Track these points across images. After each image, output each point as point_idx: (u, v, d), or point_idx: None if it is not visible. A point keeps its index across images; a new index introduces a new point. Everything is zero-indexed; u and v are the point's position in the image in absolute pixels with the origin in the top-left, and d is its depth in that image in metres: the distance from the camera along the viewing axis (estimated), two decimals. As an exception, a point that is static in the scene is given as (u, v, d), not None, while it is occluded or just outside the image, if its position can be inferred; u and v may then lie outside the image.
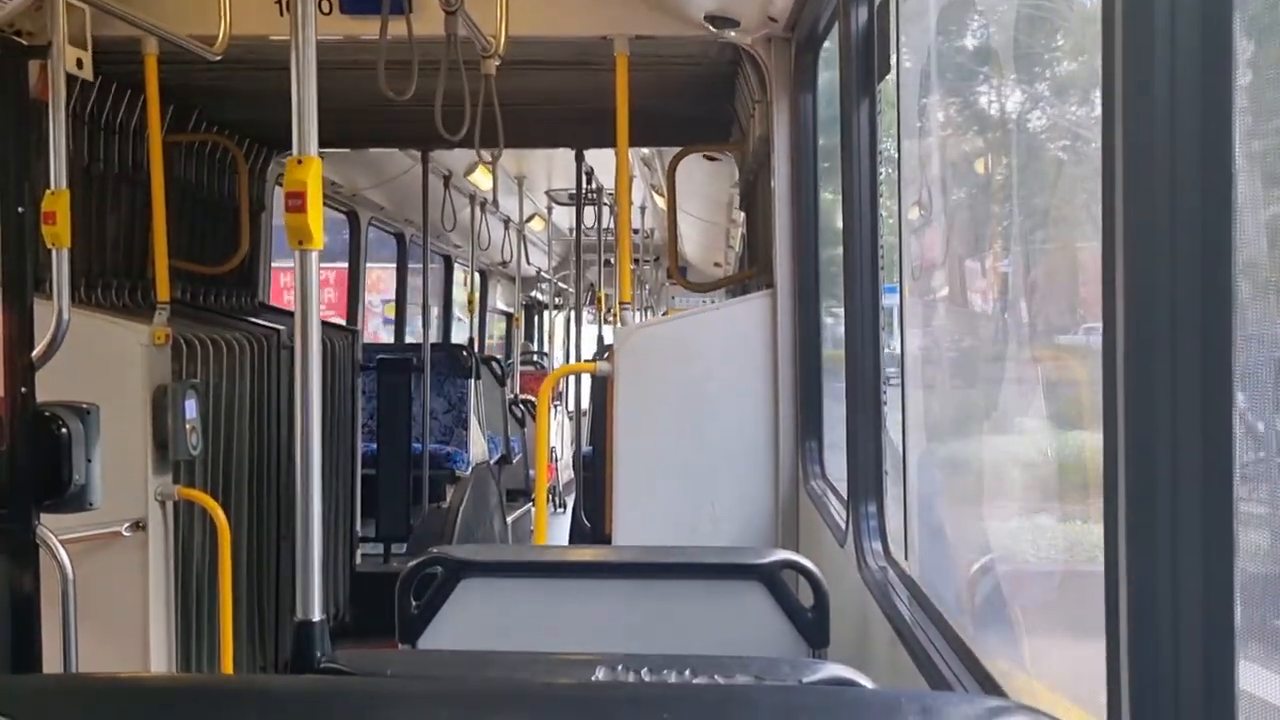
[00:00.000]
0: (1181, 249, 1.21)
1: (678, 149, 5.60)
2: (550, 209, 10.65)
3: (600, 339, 10.32)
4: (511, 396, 10.57)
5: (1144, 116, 1.22)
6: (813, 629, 2.51)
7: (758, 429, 4.29)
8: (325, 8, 4.12)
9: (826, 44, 4.04)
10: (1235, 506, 1.22)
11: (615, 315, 5.01)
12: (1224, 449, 1.21)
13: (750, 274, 5.56)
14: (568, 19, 4.26)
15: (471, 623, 2.56)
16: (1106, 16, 1.29)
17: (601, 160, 7.62)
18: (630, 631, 2.55)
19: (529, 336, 15.43)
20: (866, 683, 1.81)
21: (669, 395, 4.30)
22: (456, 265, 10.69)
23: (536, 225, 11.23)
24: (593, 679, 1.84)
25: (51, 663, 3.50)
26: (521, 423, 10.40)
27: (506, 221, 10.59)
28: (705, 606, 2.57)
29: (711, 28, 4.24)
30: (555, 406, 12.08)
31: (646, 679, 1.85)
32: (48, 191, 3.55)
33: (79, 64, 3.47)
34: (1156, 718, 1.23)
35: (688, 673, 1.87)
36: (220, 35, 3.89)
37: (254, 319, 5.46)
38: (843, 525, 3.30)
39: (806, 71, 4.24)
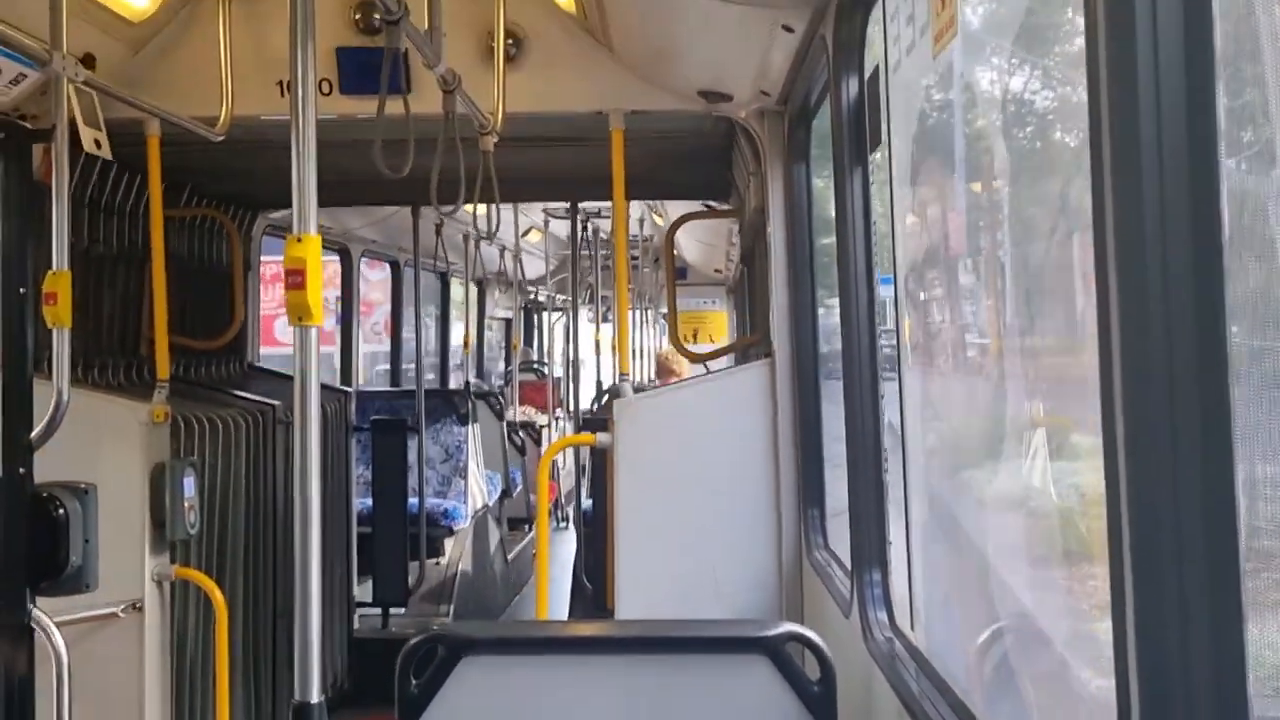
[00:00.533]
0: (1172, 256, 1.22)
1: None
2: (547, 223, 10.53)
3: (599, 384, 10.25)
4: (510, 420, 10.46)
5: (1129, 120, 1.23)
6: (820, 703, 2.47)
7: (759, 498, 4.27)
8: (325, 88, 4.19)
9: (819, 116, 4.10)
10: (1239, 513, 1.21)
11: (614, 316, 4.88)
12: (1223, 448, 1.20)
13: (754, 339, 5.57)
14: (564, 95, 4.33)
15: (473, 701, 2.52)
16: (1089, 20, 1.31)
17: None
18: (634, 707, 2.51)
19: (528, 341, 15.25)
20: (876, 759, 1.78)
21: (669, 465, 4.29)
22: (453, 280, 10.60)
23: (534, 237, 11.15)
24: (597, 759, 1.80)
25: (45, 748, 3.43)
26: (521, 450, 10.28)
27: (502, 250, 10.57)
28: (710, 680, 2.53)
29: (705, 102, 4.31)
30: (556, 418, 11.90)
31: (652, 758, 1.82)
32: (49, 272, 3.58)
33: (97, 144, 3.50)
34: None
35: (694, 751, 1.83)
36: (222, 116, 3.95)
37: (247, 392, 5.45)
38: (847, 595, 3.27)
39: (800, 143, 4.29)
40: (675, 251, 12.05)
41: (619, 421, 4.25)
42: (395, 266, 9.14)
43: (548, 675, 2.58)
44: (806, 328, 4.28)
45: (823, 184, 4.27)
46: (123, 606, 4.00)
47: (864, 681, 2.98)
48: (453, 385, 10.63)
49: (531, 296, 14.75)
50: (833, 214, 3.34)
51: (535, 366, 14.05)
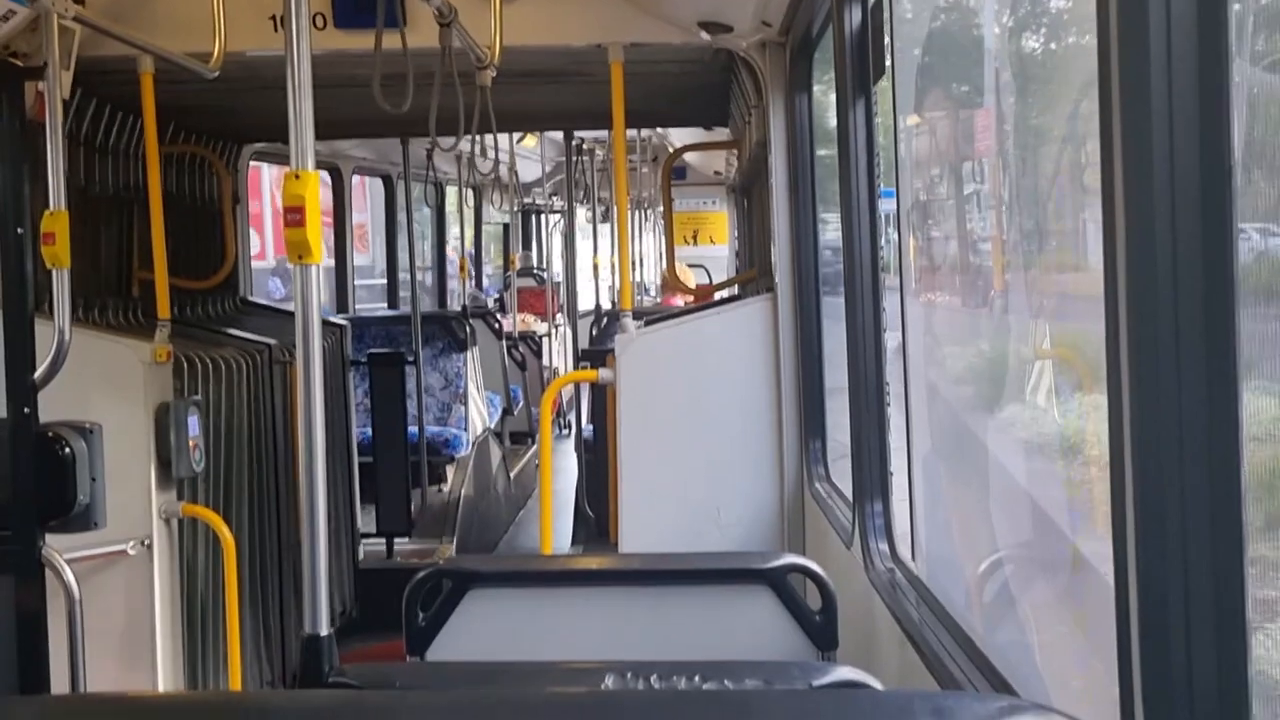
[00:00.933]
0: (1182, 244, 1.21)
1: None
2: (551, 143, 10.25)
3: (598, 308, 10.11)
4: (509, 335, 10.34)
5: (1141, 111, 1.22)
6: (821, 632, 2.50)
7: (761, 432, 4.29)
8: (319, 23, 4.12)
9: (821, 47, 4.04)
10: (1244, 495, 1.22)
11: (615, 245, 4.80)
12: (1231, 436, 1.21)
13: (751, 275, 5.56)
14: (561, 28, 4.26)
15: (479, 633, 2.56)
16: (1101, 14, 1.29)
17: None
18: (638, 638, 2.55)
19: (526, 245, 15.10)
20: (876, 685, 1.81)
21: (671, 401, 4.30)
22: (448, 188, 10.36)
23: (529, 142, 10.98)
24: (602, 687, 1.84)
25: (59, 683, 3.49)
26: (522, 366, 10.22)
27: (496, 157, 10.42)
28: (713, 612, 2.57)
29: (705, 34, 4.25)
30: (557, 326, 11.79)
31: (656, 686, 1.85)
32: (46, 212, 3.55)
33: (74, 84, 3.47)
34: (1170, 709, 1.23)
35: (697, 679, 1.86)
36: (215, 52, 3.90)
37: (243, 329, 5.44)
38: (849, 526, 3.30)
39: (801, 75, 4.24)
40: (671, 149, 11.91)
41: (621, 357, 4.26)
42: (388, 181, 8.95)
43: (553, 607, 2.61)
44: (808, 261, 4.27)
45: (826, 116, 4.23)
46: (132, 543, 4.05)
47: (865, 611, 3.02)
48: (452, 306, 10.46)
49: (529, 200, 14.53)
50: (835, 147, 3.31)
51: (535, 272, 13.88)
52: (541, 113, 6.10)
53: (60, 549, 3.52)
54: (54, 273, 3.57)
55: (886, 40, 3.02)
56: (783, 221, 4.34)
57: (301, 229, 2.43)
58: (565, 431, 10.89)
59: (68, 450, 3.46)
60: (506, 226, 12.93)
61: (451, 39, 3.63)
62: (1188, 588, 1.22)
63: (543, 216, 14.76)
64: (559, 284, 12.28)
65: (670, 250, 6.25)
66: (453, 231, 11.13)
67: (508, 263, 12.30)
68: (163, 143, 5.37)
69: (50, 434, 3.47)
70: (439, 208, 10.57)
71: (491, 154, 8.69)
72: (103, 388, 4.04)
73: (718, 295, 6.19)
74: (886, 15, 3.00)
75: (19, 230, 3.50)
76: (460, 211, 10.43)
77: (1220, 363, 1.21)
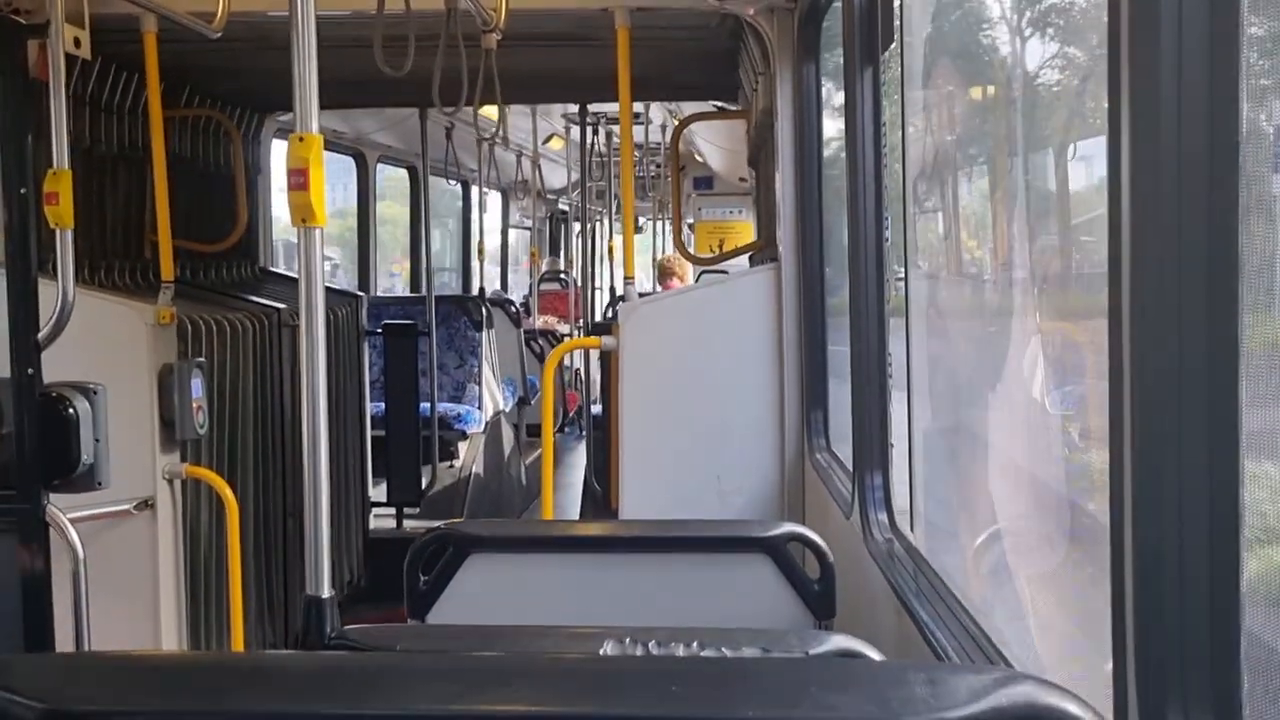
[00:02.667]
0: (1187, 239, 1.21)
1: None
2: (569, 129, 10.21)
3: (612, 291, 10.21)
4: (530, 328, 10.43)
5: (1150, 107, 1.21)
6: (819, 601, 2.52)
7: (763, 402, 4.29)
8: (324, -17, 4.09)
9: (830, 15, 4.00)
10: (1242, 490, 1.22)
11: (621, 218, 4.85)
12: (1230, 433, 1.21)
13: (759, 245, 5.54)
14: None
15: (480, 597, 2.57)
16: (1112, 13, 1.28)
17: None
18: (637, 605, 2.56)
19: (554, 250, 15.17)
20: (873, 654, 1.82)
21: (674, 369, 4.30)
22: (475, 188, 10.46)
23: (556, 145, 10.94)
24: (601, 653, 1.85)
25: (64, 642, 3.52)
26: (541, 358, 10.30)
27: (519, 153, 10.40)
28: (712, 579, 2.58)
29: (713, -1, 4.21)
30: (580, 327, 11.86)
31: (654, 652, 1.86)
32: (49, 172, 3.54)
33: (76, 43, 3.45)
34: (1162, 686, 1.24)
35: (695, 645, 1.87)
36: (219, 12, 3.87)
37: (256, 295, 5.46)
38: (848, 497, 3.31)
39: (809, 42, 4.20)
40: (700, 159, 11.85)
41: (624, 325, 4.26)
42: (413, 173, 9.04)
43: (553, 573, 2.63)
44: (813, 231, 4.25)
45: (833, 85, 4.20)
46: (135, 503, 4.07)
47: (863, 580, 3.04)
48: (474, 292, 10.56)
49: (556, 205, 14.56)
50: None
51: (561, 276, 13.98)
52: (549, 80, 6.06)
53: (64, 509, 3.53)
54: (58, 233, 3.56)
55: (896, 7, 2.99)
56: (788, 192, 4.32)
57: (305, 192, 2.43)
58: (569, 430, 10.92)
59: (71, 411, 3.47)
60: (538, 231, 12.95)
61: (457, 1, 3.60)
62: (1182, 561, 1.22)
63: (569, 223, 14.80)
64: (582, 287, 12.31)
65: (677, 227, 6.23)
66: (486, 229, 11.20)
67: (534, 265, 12.37)
68: (176, 105, 5.36)
69: (54, 394, 3.48)
70: (465, 198, 10.60)
71: (514, 149, 8.67)
72: (107, 349, 4.04)
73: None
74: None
75: (22, 190, 3.49)
76: (479, 211, 10.42)
77: (1221, 352, 1.21)
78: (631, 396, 4.26)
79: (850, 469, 3.37)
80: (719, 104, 6.75)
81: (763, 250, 5.15)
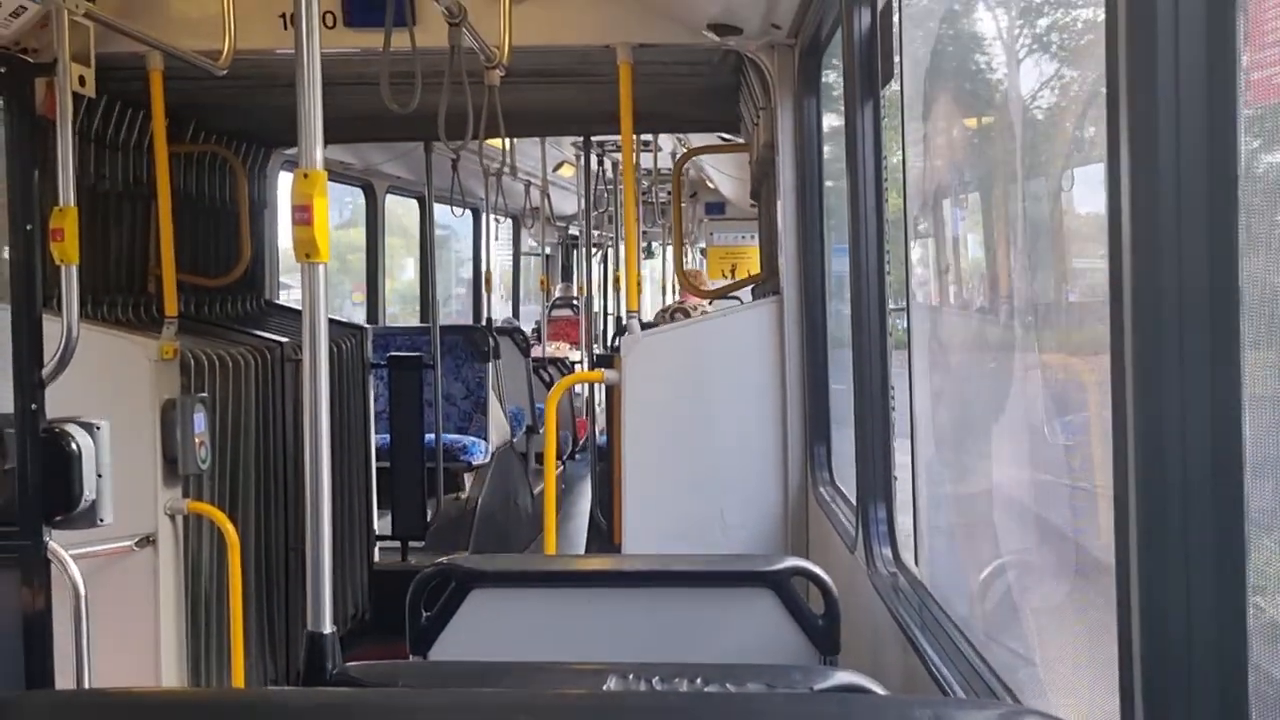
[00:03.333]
0: (1187, 247, 1.21)
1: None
2: (578, 156, 10.15)
3: (618, 320, 10.22)
4: (539, 356, 10.43)
5: (1148, 115, 1.22)
6: (823, 636, 2.50)
7: (766, 435, 4.29)
8: (329, 21, 4.13)
9: (830, 50, 4.04)
10: (1246, 503, 1.22)
11: (623, 249, 4.84)
12: (1233, 442, 1.20)
13: (761, 276, 5.57)
14: (570, 29, 4.27)
15: (482, 632, 2.56)
16: (1110, 22, 1.29)
17: None
18: (641, 640, 2.55)
19: (566, 277, 15.18)
20: (878, 690, 1.80)
21: (676, 402, 4.30)
22: (486, 215, 10.53)
23: (566, 172, 10.97)
24: (604, 689, 1.84)
25: (64, 678, 3.50)
26: (550, 386, 10.28)
27: (528, 182, 10.43)
28: (715, 614, 2.57)
29: (714, 35, 4.25)
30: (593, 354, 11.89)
31: (658, 688, 1.85)
32: (55, 209, 3.57)
33: (81, 81, 3.49)
34: (1168, 713, 1.23)
35: (699, 681, 1.86)
36: (225, 50, 3.91)
37: (260, 329, 5.47)
38: (852, 531, 3.29)
39: (810, 77, 4.24)
40: (711, 186, 11.89)
41: (626, 358, 4.26)
42: (422, 202, 9.09)
43: (555, 608, 2.61)
44: (815, 264, 4.27)
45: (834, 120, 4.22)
46: (137, 539, 4.06)
47: (868, 615, 3.02)
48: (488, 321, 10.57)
49: (568, 232, 14.57)
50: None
51: (574, 302, 13.97)
52: (552, 115, 6.11)
53: (65, 545, 3.53)
54: (62, 269, 3.58)
55: (896, 43, 3.02)
56: (790, 225, 4.33)
57: (309, 227, 2.44)
58: (580, 458, 10.90)
59: (74, 446, 3.47)
60: (548, 257, 12.99)
61: (461, 38, 3.63)
62: (1189, 595, 1.21)
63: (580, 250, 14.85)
64: (595, 314, 12.32)
65: (679, 255, 6.29)
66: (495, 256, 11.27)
67: (546, 292, 12.41)
68: (182, 141, 5.40)
69: (57, 430, 3.48)
70: (475, 227, 10.66)
71: (523, 177, 8.70)
72: (110, 384, 4.05)
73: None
74: (897, 19, 2.99)
75: (28, 227, 3.51)
76: (486, 238, 10.45)
77: (1223, 363, 1.21)
78: (634, 429, 4.26)
79: (854, 502, 3.36)
80: (723, 135, 6.80)
81: (765, 282, 5.17)
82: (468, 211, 10.50)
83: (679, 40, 4.28)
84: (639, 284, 4.66)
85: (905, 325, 3.14)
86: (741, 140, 6.25)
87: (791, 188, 4.34)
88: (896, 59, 3.02)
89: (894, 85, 3.07)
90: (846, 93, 3.22)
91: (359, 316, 9.86)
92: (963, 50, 3.07)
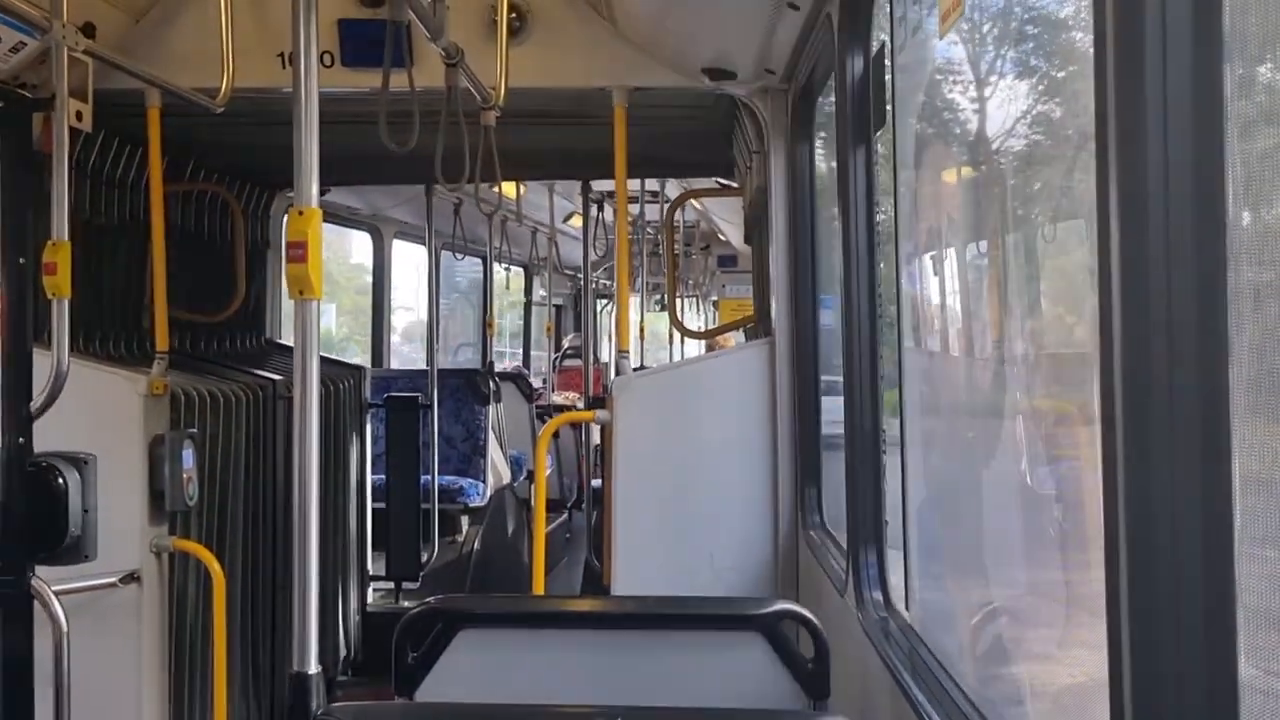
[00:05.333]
0: (1175, 254, 1.22)
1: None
2: (587, 207, 10.48)
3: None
4: (544, 404, 10.41)
5: (1137, 119, 1.23)
6: (813, 680, 2.48)
7: (756, 477, 4.28)
8: (327, 60, 4.17)
9: (823, 94, 4.08)
10: (1235, 513, 1.22)
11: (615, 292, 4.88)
12: (1222, 448, 1.21)
13: (752, 318, 5.59)
14: (566, 71, 4.31)
15: (469, 674, 2.53)
16: (1098, 26, 1.31)
17: None
18: (629, 683, 2.52)
19: (578, 327, 15.20)
20: (868, 735, 1.79)
21: (667, 442, 4.30)
22: (497, 264, 10.51)
23: (576, 222, 11.03)
24: (591, 733, 1.82)
25: (44, 715, 3.46)
26: (555, 433, 10.21)
27: (535, 230, 10.46)
28: (705, 657, 2.55)
29: (709, 80, 4.29)
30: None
31: (646, 732, 1.83)
32: (49, 243, 3.57)
33: (79, 116, 3.51)
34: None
35: (687, 726, 1.84)
36: (223, 88, 3.94)
37: (256, 366, 5.46)
38: (843, 574, 3.28)
39: (803, 122, 4.28)
40: (723, 238, 11.99)
41: (618, 398, 4.26)
42: (430, 250, 9.16)
43: (544, 649, 2.59)
44: (807, 307, 4.28)
45: (826, 165, 4.26)
46: (121, 576, 4.02)
47: (858, 659, 3.00)
48: (500, 366, 10.59)
49: (578, 281, 14.64)
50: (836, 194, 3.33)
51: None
52: (549, 158, 6.16)
53: (49, 581, 3.49)
54: (54, 303, 3.58)
55: (888, 90, 3.05)
56: (782, 267, 4.36)
57: (304, 264, 2.45)
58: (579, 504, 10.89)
59: (61, 481, 3.45)
60: (559, 308, 13.03)
61: (458, 78, 3.67)
62: (1179, 633, 1.21)
63: (593, 300, 14.95)
64: (605, 364, 12.32)
65: (672, 293, 6.34)
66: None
67: (554, 340, 12.46)
68: (181, 179, 5.43)
69: (44, 464, 3.46)
70: (485, 273, 10.73)
71: (528, 224, 8.71)
72: (99, 419, 4.03)
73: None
74: (889, 66, 3.03)
75: (21, 260, 3.52)
76: (487, 285, 10.48)
77: (1211, 370, 1.21)
78: (625, 470, 4.25)
79: (844, 546, 3.34)
80: (721, 181, 6.86)
81: (757, 324, 5.19)
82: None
83: (674, 84, 4.33)
84: (629, 325, 4.67)
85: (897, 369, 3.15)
86: (736, 184, 6.30)
87: (784, 231, 4.36)
88: (888, 106, 3.05)
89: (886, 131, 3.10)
90: (839, 138, 3.25)
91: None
92: (949, 101, 3.10)
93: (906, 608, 3.00)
